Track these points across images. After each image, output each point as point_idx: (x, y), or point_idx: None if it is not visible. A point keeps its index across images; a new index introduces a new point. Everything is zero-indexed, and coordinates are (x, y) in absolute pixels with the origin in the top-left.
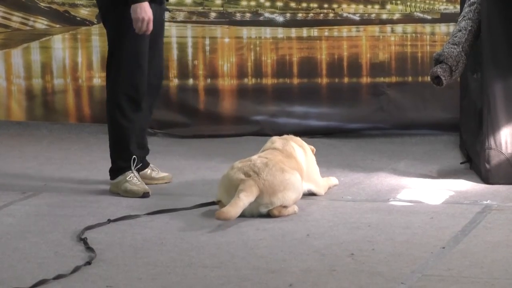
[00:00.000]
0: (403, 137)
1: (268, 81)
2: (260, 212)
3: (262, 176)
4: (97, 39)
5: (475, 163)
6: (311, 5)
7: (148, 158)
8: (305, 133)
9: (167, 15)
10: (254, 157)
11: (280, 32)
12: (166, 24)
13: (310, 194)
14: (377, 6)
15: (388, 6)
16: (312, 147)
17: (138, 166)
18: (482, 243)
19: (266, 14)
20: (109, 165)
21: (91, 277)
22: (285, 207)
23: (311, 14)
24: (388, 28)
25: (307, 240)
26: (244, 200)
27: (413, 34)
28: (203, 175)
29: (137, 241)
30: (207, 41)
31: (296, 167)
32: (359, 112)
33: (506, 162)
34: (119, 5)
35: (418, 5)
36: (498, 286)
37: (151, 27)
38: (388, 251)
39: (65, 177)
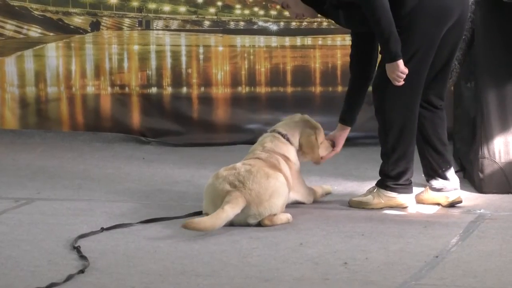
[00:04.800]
0: None
1: (262, 89)
2: (248, 223)
3: (248, 186)
4: (90, 47)
5: (469, 172)
6: None
7: (141, 166)
8: None
9: (162, 23)
10: (238, 165)
11: (274, 40)
12: (159, 32)
13: (298, 203)
14: None
15: None
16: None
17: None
18: (475, 252)
19: (260, 23)
20: (101, 172)
21: (84, 286)
22: (274, 215)
23: (305, 23)
24: None
25: (300, 248)
26: (229, 212)
27: None
28: (196, 183)
29: (130, 249)
30: (201, 50)
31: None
32: None
33: (500, 171)
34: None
35: None
36: None
37: (401, 81)
38: (381, 260)
39: (58, 186)
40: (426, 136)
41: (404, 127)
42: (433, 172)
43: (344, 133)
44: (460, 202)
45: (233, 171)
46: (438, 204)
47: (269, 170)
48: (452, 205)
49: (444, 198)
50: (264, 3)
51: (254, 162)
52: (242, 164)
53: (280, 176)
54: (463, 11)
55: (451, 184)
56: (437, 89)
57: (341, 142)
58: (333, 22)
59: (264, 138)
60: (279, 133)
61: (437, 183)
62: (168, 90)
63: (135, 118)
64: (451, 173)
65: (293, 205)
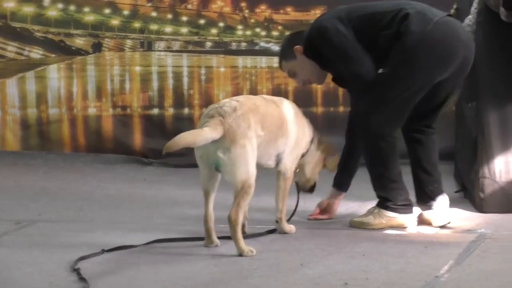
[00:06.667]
0: None
1: None
2: (217, 157)
3: (228, 121)
4: (92, 69)
5: (470, 191)
6: None
7: (143, 187)
8: None
9: (163, 44)
10: (226, 100)
11: (276, 61)
12: (161, 53)
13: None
14: None
15: None
16: None
17: None
18: (476, 272)
19: (262, 43)
20: (102, 194)
21: None
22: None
23: None
24: None
25: (301, 269)
26: (207, 132)
27: None
28: (198, 204)
29: (131, 271)
30: (203, 71)
31: (278, 114)
32: None
33: (500, 191)
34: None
35: None
36: None
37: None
38: (382, 280)
39: (60, 207)
40: (416, 159)
41: (389, 153)
42: (423, 193)
43: (337, 200)
44: (448, 222)
45: (216, 105)
46: (430, 224)
47: (252, 122)
48: (443, 226)
49: (432, 219)
50: (265, 24)
51: (245, 100)
52: (230, 100)
53: (254, 141)
54: (467, 57)
55: (438, 204)
56: (429, 121)
57: (335, 208)
58: None
59: None
60: None
61: (427, 203)
62: (170, 111)
63: (137, 139)
64: (439, 192)
65: (294, 225)
